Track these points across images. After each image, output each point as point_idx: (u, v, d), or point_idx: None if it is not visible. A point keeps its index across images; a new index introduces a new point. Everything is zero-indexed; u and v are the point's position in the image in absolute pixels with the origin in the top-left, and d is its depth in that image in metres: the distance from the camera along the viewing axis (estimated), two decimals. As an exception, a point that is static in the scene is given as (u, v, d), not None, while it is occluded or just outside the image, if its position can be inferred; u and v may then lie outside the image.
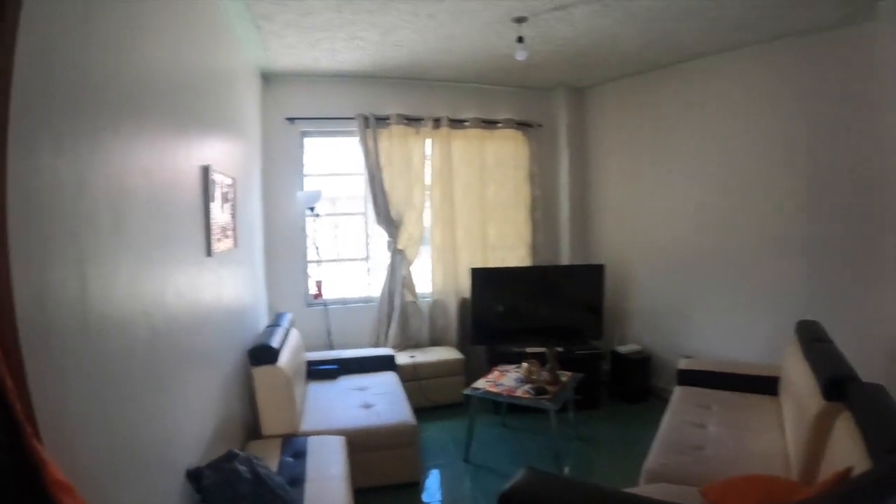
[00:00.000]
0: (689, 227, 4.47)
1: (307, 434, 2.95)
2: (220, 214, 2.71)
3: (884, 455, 1.51)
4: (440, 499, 3.28)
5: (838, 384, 2.06)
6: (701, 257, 4.39)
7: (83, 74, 1.29)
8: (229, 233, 2.92)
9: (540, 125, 5.32)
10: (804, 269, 3.72)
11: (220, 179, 2.71)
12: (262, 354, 2.93)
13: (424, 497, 3.20)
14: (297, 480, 2.43)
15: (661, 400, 4.44)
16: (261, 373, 2.90)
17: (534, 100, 5.32)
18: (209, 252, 2.47)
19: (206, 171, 2.46)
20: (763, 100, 3.92)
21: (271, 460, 2.56)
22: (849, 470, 1.56)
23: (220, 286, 2.69)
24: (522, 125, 5.23)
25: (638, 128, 4.88)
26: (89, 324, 1.28)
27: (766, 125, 3.92)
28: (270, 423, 2.93)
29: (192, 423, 2.11)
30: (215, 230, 2.58)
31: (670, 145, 4.60)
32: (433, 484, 3.39)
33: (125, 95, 1.54)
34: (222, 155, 2.86)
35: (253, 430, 3.06)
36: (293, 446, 2.78)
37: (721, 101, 4.21)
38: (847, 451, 1.72)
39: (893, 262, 3.15)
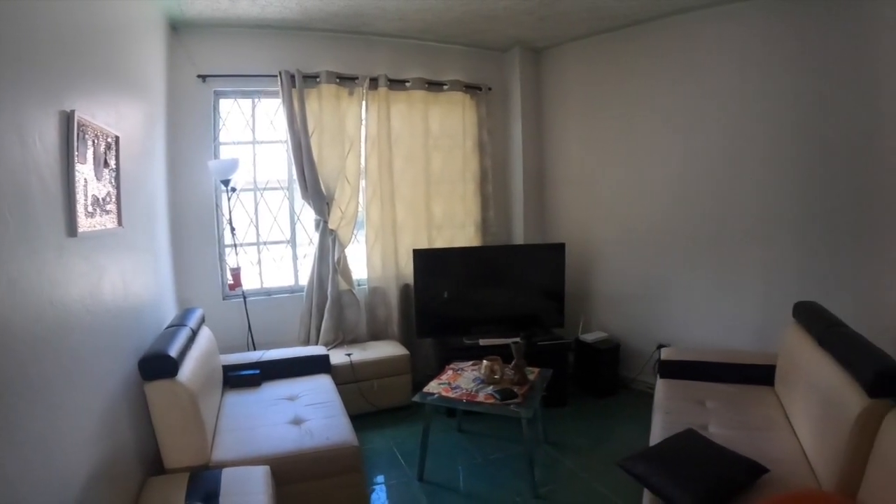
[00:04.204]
0: (664, 201, 4.03)
1: (221, 465, 2.30)
2: (94, 182, 2.00)
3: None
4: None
5: (888, 378, 1.70)
6: (678, 234, 3.96)
7: None
8: (110, 208, 2.20)
9: (490, 88, 4.80)
10: (794, 246, 3.36)
11: (94, 134, 1.99)
12: (156, 366, 2.23)
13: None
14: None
15: (633, 392, 4.19)
16: (155, 390, 2.21)
17: (485, 61, 4.78)
18: (73, 231, 1.77)
19: (69, 118, 1.76)
20: (755, 60, 3.46)
21: (174, 505, 1.92)
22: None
23: (95, 278, 1.99)
24: (471, 88, 4.67)
25: (604, 92, 4.36)
26: None
27: (754, 88, 3.47)
28: (174, 453, 2.26)
29: (45, 471, 1.46)
30: (83, 202, 1.88)
31: (642, 111, 4.12)
32: (383, 515, 2.81)
33: None
34: (99, 104, 2.13)
35: (155, 462, 2.37)
36: (203, 484, 2.13)
37: (704, 62, 3.73)
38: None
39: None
